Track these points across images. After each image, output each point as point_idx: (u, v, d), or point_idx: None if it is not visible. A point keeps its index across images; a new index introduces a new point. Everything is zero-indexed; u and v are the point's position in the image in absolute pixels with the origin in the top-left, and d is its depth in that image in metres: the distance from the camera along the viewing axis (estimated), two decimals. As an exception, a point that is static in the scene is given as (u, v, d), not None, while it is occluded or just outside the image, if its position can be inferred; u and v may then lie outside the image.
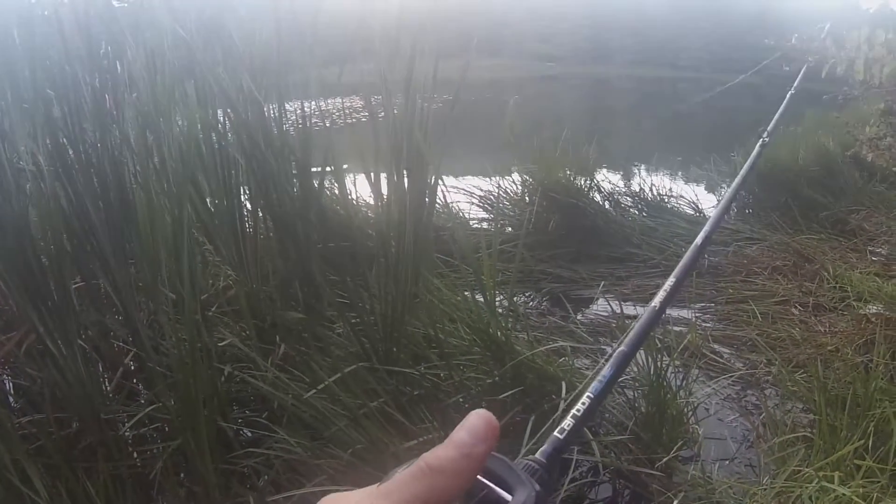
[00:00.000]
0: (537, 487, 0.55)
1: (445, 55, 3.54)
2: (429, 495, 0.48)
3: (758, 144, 2.19)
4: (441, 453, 0.49)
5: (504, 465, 0.56)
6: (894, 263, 5.91)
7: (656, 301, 1.09)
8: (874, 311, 4.70)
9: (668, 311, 4.90)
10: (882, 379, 3.41)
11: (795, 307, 5.12)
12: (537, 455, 0.71)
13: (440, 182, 3.63)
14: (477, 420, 0.51)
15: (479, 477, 0.52)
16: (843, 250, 6.33)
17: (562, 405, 3.02)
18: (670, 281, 1.18)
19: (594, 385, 0.87)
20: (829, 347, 4.37)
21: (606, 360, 0.93)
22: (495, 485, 0.54)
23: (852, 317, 4.75)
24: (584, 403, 0.82)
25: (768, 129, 2.95)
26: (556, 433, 0.76)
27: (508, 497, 0.53)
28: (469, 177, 8.29)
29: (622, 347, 0.95)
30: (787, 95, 2.61)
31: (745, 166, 1.46)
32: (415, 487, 0.48)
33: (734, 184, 1.58)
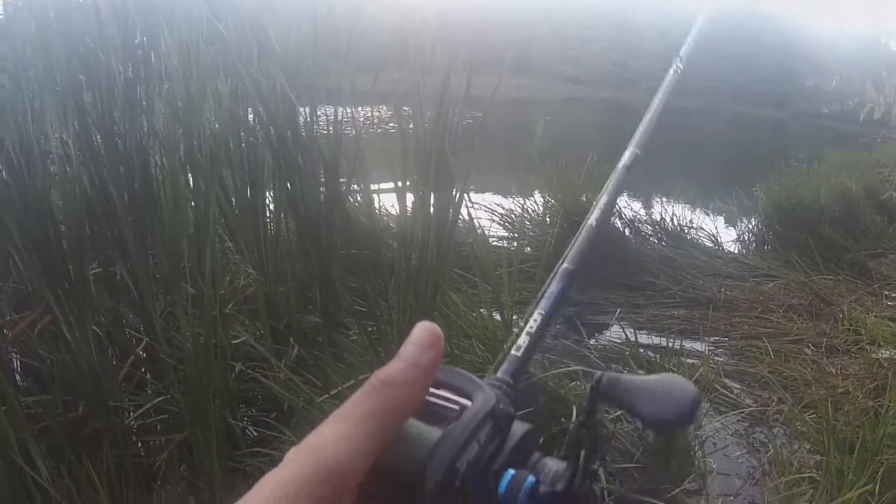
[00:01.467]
0: (496, 394, 0.56)
1: (476, 71, 3.55)
2: (384, 408, 0.50)
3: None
4: (390, 367, 0.52)
5: (463, 377, 0.58)
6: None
7: (592, 219, 1.08)
8: (887, 355, 4.67)
9: (682, 343, 4.91)
10: (892, 424, 3.38)
11: (809, 347, 5.08)
12: (498, 374, 0.74)
13: (465, 198, 3.63)
14: (421, 331, 0.54)
15: (437, 390, 0.55)
16: (860, 293, 6.28)
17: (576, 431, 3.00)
18: (603, 199, 1.14)
19: (544, 302, 0.87)
20: (840, 390, 4.34)
21: (552, 277, 0.92)
22: (455, 394, 0.56)
23: (865, 360, 4.71)
24: (535, 320, 0.83)
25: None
26: (513, 351, 0.78)
27: (468, 402, 0.55)
28: (493, 194, 8.30)
29: (565, 264, 0.95)
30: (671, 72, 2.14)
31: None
32: (369, 403, 0.50)
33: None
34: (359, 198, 4.26)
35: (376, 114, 4.34)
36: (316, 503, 0.45)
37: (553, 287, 0.90)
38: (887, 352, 4.77)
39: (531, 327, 0.82)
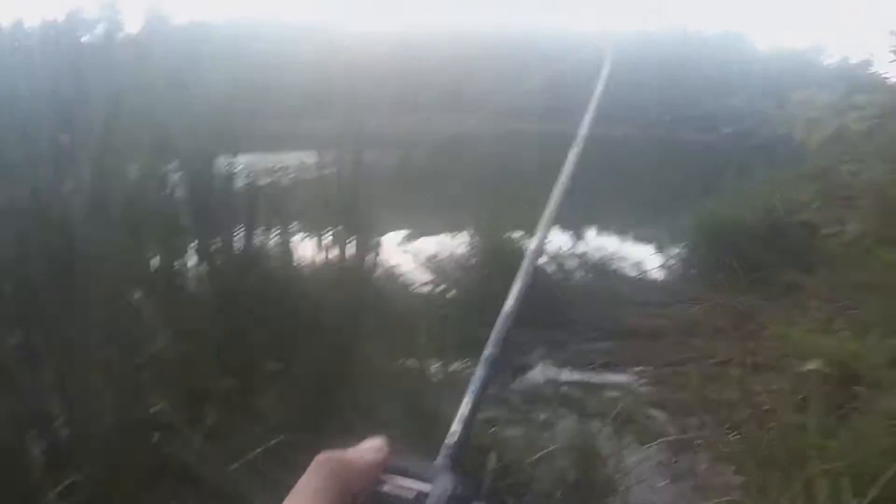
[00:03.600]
0: (453, 478, 0.58)
1: (408, 109, 3.57)
2: (332, 482, 0.54)
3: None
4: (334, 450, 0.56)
5: (418, 462, 0.60)
6: (835, 319, 5.96)
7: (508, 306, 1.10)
8: (813, 367, 4.73)
9: (607, 377, 4.98)
10: (816, 436, 3.43)
11: (735, 368, 5.13)
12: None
13: (380, 245, 3.64)
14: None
15: (394, 476, 0.57)
16: (786, 309, 6.37)
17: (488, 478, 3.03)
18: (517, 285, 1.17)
19: (471, 386, 0.85)
20: (766, 407, 4.38)
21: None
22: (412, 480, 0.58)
23: (791, 375, 4.77)
24: (466, 404, 0.83)
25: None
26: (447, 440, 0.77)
27: (425, 487, 0.56)
28: (421, 237, 8.32)
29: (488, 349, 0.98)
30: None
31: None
32: (317, 480, 0.54)
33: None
34: (281, 248, 4.25)
35: (301, 160, 4.33)
36: None
37: (479, 372, 0.89)
38: (813, 364, 4.82)
39: (462, 413, 0.82)
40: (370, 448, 0.58)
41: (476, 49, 42.56)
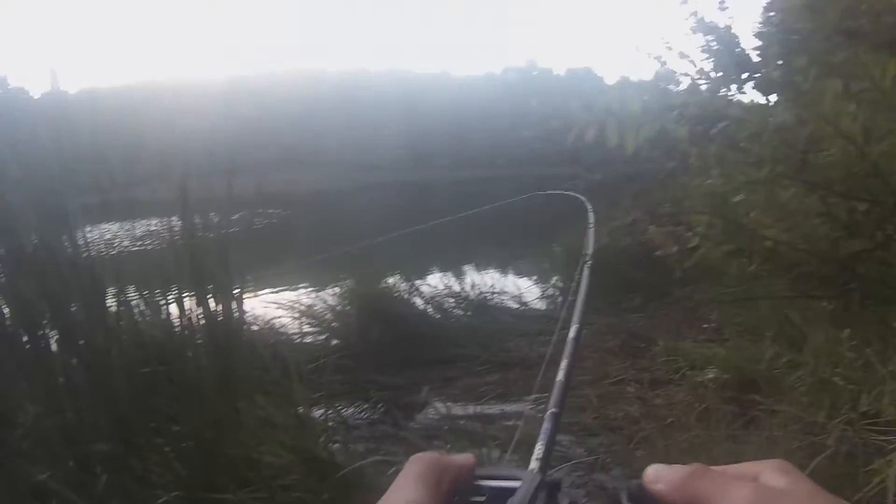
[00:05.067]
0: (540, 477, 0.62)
1: (271, 168, 3.54)
2: (428, 468, 0.58)
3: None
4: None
5: (504, 466, 0.74)
6: (723, 329, 6.03)
7: (560, 377, 1.57)
8: (710, 376, 4.74)
9: (502, 408, 4.89)
10: (725, 444, 3.41)
11: (631, 385, 5.09)
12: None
13: (242, 300, 3.56)
14: None
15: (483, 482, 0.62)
16: (673, 323, 6.43)
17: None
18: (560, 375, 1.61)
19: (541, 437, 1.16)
20: (670, 420, 4.36)
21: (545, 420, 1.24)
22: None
23: (689, 385, 4.77)
24: (539, 450, 1.12)
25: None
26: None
27: (517, 483, 0.60)
28: (298, 288, 8.21)
29: (551, 409, 1.29)
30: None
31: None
32: (415, 468, 0.59)
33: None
34: (146, 313, 4.08)
35: (151, 225, 4.23)
36: None
37: (545, 426, 1.21)
38: (710, 373, 4.83)
39: (536, 455, 1.09)
40: (460, 456, 0.62)
41: (326, 97, 42.91)
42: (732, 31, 4.63)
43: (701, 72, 4.54)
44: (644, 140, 3.94)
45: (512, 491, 0.58)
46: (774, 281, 4.86)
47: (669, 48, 4.58)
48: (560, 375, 1.56)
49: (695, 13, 4.47)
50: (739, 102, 4.60)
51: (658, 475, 0.58)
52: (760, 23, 5.63)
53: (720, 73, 4.46)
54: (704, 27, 4.41)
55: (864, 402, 3.35)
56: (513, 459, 2.68)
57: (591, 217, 3.94)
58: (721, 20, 4.62)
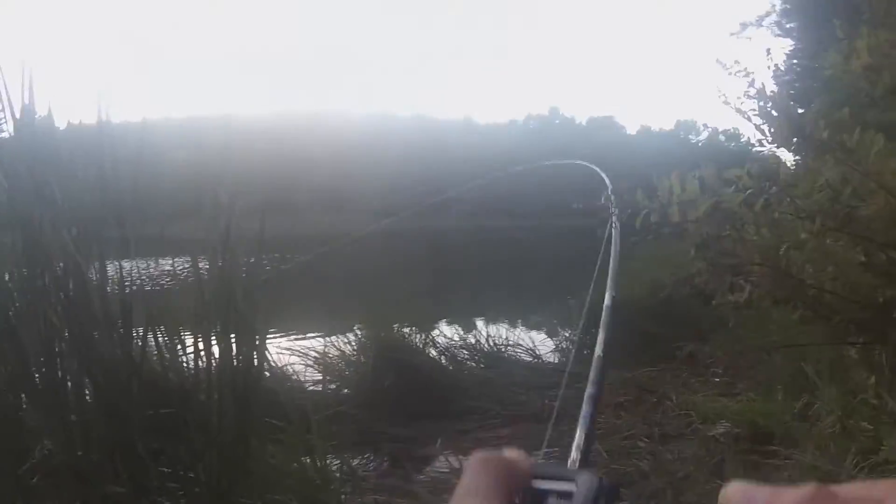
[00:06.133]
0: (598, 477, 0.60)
1: (290, 211, 3.56)
2: (496, 478, 0.55)
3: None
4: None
5: (560, 467, 0.65)
6: (736, 383, 6.02)
7: (598, 350, 1.45)
8: (722, 430, 4.74)
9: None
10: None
11: (642, 440, 5.09)
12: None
13: (265, 346, 3.56)
14: None
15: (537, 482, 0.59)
16: (685, 377, 6.41)
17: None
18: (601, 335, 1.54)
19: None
20: (680, 474, 4.34)
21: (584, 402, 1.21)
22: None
23: (700, 440, 4.76)
24: (580, 436, 1.06)
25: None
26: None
27: (572, 485, 0.58)
28: (308, 335, 8.20)
29: (590, 389, 1.24)
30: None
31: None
32: (485, 477, 0.55)
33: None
34: (162, 352, 4.10)
35: (181, 264, 4.24)
36: None
37: (584, 409, 1.19)
38: (721, 427, 4.83)
39: (578, 442, 1.05)
40: (518, 453, 0.60)
41: (352, 140, 42.99)
42: (788, 96, 4.74)
43: (760, 135, 4.62)
44: (703, 213, 4.18)
45: (569, 494, 0.58)
46: (814, 328, 4.88)
47: (738, 109, 4.65)
48: (598, 350, 1.48)
49: (752, 79, 4.54)
50: (786, 164, 4.80)
51: (749, 497, 0.47)
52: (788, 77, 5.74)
53: (772, 138, 4.54)
54: (763, 95, 4.48)
55: (886, 447, 3.36)
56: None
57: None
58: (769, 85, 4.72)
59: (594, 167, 3.70)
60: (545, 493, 0.58)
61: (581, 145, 43.26)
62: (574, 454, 0.99)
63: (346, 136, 43.39)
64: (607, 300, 1.79)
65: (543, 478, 0.59)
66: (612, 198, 3.28)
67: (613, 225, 2.57)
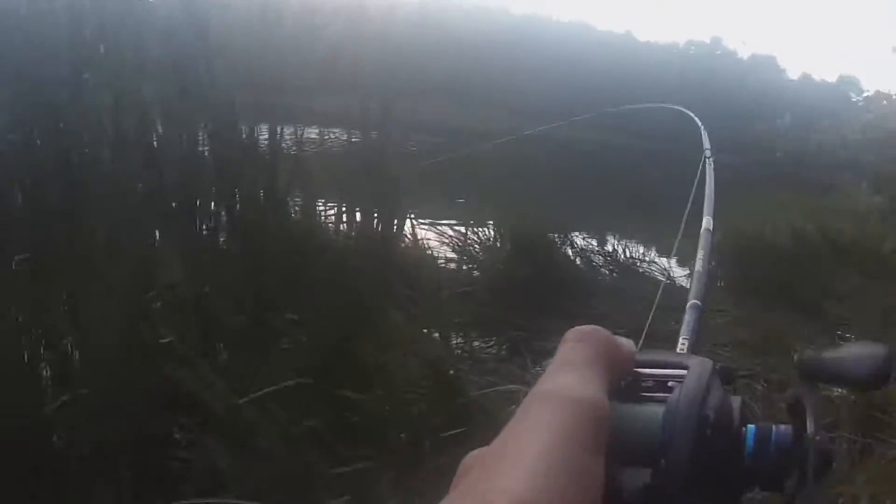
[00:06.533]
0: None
1: (420, 96, 3.57)
2: (595, 354, 0.48)
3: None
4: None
5: (667, 352, 0.59)
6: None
7: (698, 265, 1.58)
8: (839, 393, 4.63)
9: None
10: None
11: (760, 383, 5.00)
12: None
13: (410, 218, 3.61)
14: None
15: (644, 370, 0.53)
16: (813, 332, 6.23)
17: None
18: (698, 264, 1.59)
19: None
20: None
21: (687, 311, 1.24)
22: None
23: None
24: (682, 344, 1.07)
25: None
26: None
27: (684, 371, 0.53)
28: (444, 220, 8.28)
29: (692, 300, 1.28)
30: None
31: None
32: (583, 352, 0.48)
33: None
34: (303, 210, 4.20)
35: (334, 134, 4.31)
36: (591, 443, 0.42)
37: (687, 317, 1.22)
38: (840, 390, 4.72)
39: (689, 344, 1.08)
40: (622, 338, 0.52)
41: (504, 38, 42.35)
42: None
43: None
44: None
45: (679, 378, 0.51)
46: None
47: None
48: (698, 266, 1.55)
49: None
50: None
51: None
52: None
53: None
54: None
55: None
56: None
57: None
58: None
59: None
60: (652, 379, 0.52)
61: (735, 85, 41.42)
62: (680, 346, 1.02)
63: (500, 32, 42.74)
64: (705, 223, 1.96)
65: (651, 366, 0.54)
66: (705, 133, 3.47)
67: (707, 161, 2.71)
